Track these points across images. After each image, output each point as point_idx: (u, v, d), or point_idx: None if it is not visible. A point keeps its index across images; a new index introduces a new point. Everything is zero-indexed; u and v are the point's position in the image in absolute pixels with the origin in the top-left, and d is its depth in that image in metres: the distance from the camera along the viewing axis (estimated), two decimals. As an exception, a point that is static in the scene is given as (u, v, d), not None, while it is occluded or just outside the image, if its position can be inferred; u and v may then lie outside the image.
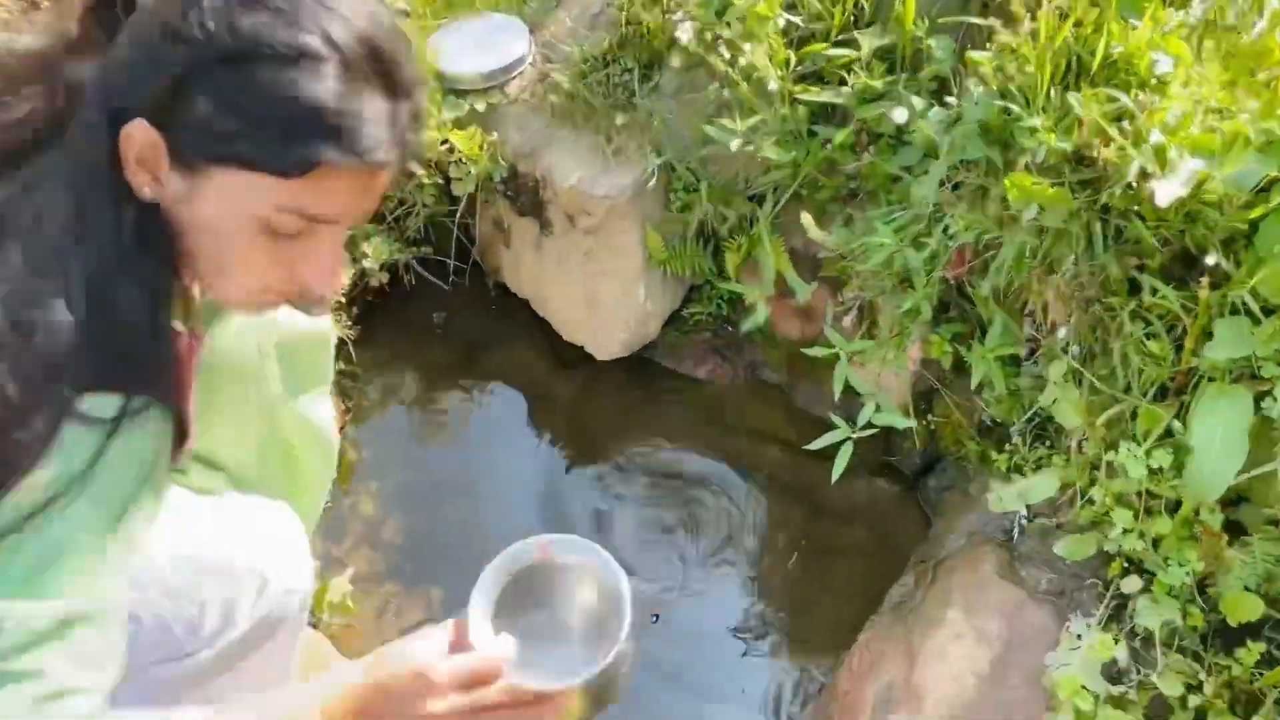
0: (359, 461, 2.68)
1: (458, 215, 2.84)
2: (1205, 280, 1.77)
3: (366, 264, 2.67)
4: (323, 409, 1.62)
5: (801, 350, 2.86)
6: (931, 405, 2.74)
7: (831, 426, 2.35)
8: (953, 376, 2.66)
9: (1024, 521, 2.21)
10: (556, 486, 2.68)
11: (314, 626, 2.25)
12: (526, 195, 2.74)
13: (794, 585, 2.55)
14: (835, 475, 2.20)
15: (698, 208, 2.58)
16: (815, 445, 2.30)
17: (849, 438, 2.22)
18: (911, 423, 2.37)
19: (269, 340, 1.40)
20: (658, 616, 2.51)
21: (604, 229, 2.65)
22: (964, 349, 2.31)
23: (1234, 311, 1.78)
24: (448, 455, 2.72)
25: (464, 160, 2.64)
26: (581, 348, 2.95)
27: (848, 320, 2.45)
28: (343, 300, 2.65)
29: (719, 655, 2.45)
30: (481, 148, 2.63)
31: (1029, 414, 2.21)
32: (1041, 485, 2.05)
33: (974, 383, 2.20)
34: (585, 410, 2.84)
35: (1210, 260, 1.80)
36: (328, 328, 1.57)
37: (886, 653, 2.19)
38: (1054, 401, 2.05)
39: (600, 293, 2.73)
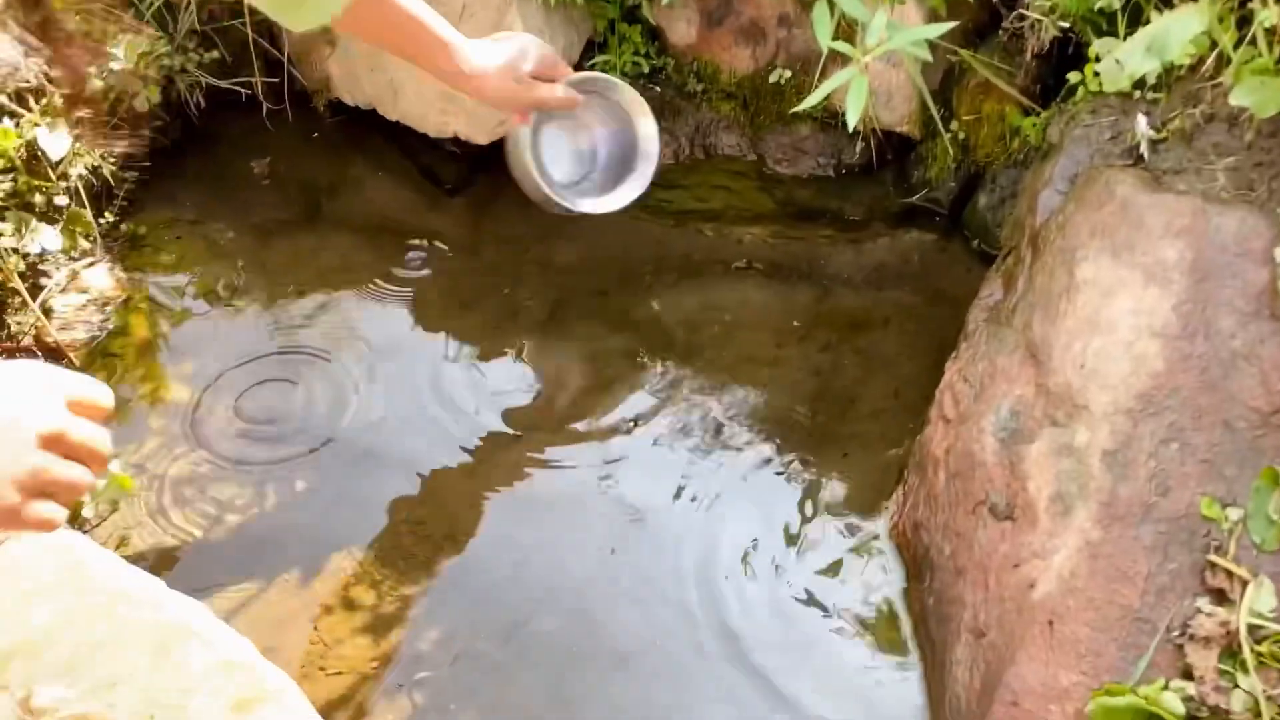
0: (159, 356, 1.85)
1: (247, 11, 2.06)
2: None
3: (116, 66, 1.88)
4: None
5: (758, 80, 2.13)
6: (953, 106, 2.02)
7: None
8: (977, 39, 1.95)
9: (1152, 131, 1.46)
10: (465, 361, 1.88)
11: (76, 527, 1.42)
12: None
13: (836, 381, 1.78)
14: (851, 121, 1.43)
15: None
16: (806, 104, 1.53)
17: (860, 63, 1.46)
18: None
19: None
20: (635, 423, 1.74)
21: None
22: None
23: None
24: (297, 333, 1.91)
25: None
26: (461, 159, 2.18)
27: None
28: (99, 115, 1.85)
29: (763, 479, 1.66)
30: None
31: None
32: (1179, 27, 1.31)
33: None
34: (482, 243, 2.06)
35: None
36: None
37: (993, 373, 1.42)
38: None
39: (463, 44, 1.97)
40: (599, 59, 2.17)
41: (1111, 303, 1.32)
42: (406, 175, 2.24)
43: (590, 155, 1.86)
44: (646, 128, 1.75)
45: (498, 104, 1.48)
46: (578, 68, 2.18)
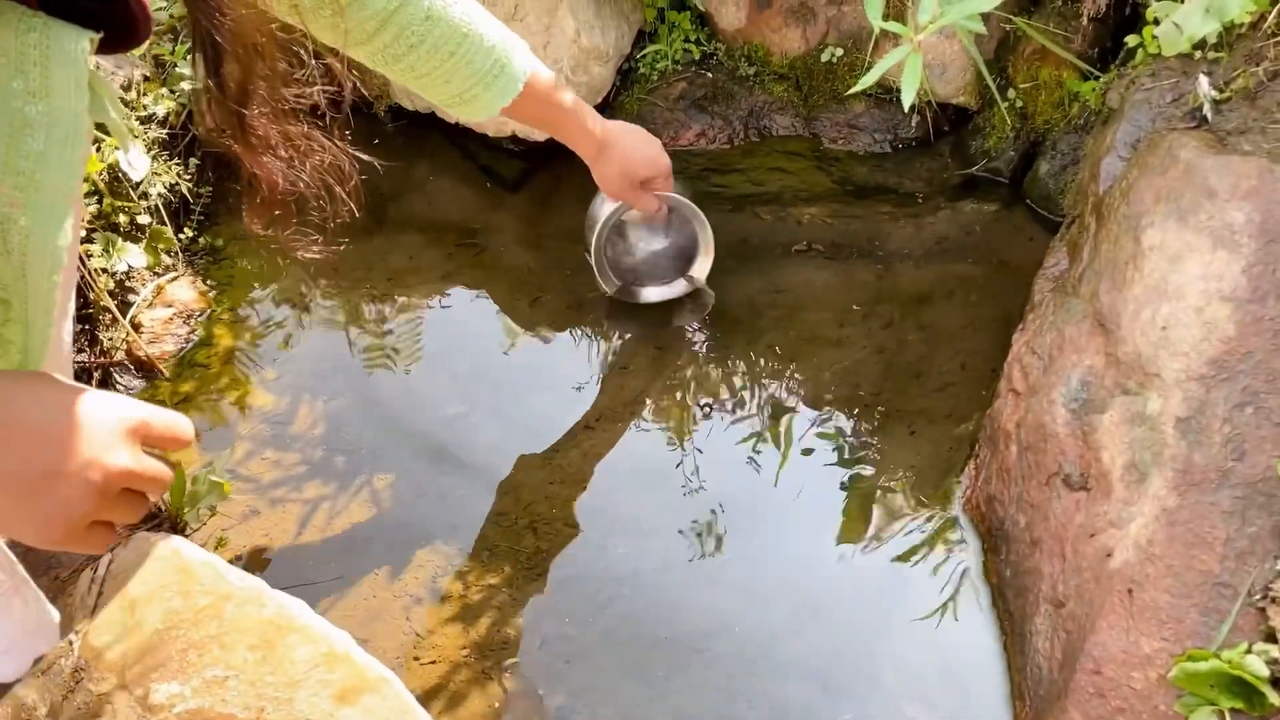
0: (250, 351, 1.92)
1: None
2: None
3: (186, 86, 1.94)
4: None
5: (810, 60, 2.13)
6: (1009, 74, 2.00)
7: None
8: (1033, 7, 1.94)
9: (1214, 92, 1.44)
10: (534, 353, 1.92)
11: (178, 533, 1.49)
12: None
13: (901, 357, 1.80)
14: (907, 101, 1.44)
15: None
16: (860, 85, 1.54)
17: (914, 41, 1.46)
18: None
19: None
20: (710, 406, 1.76)
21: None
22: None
23: None
24: (373, 334, 1.96)
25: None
26: (519, 157, 2.21)
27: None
28: (168, 133, 1.92)
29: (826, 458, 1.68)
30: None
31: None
32: (1239, -15, 1.29)
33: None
34: (544, 237, 2.10)
35: None
36: None
37: (1061, 344, 1.42)
38: None
39: (516, 43, 2.00)
40: (650, 49, 2.19)
41: (1179, 268, 1.31)
42: (467, 175, 2.28)
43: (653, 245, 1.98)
44: (705, 241, 1.84)
45: (609, 194, 1.72)
46: (628, 58, 2.21)
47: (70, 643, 1.32)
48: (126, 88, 1.96)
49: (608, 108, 2.21)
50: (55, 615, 1.31)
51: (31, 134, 0.74)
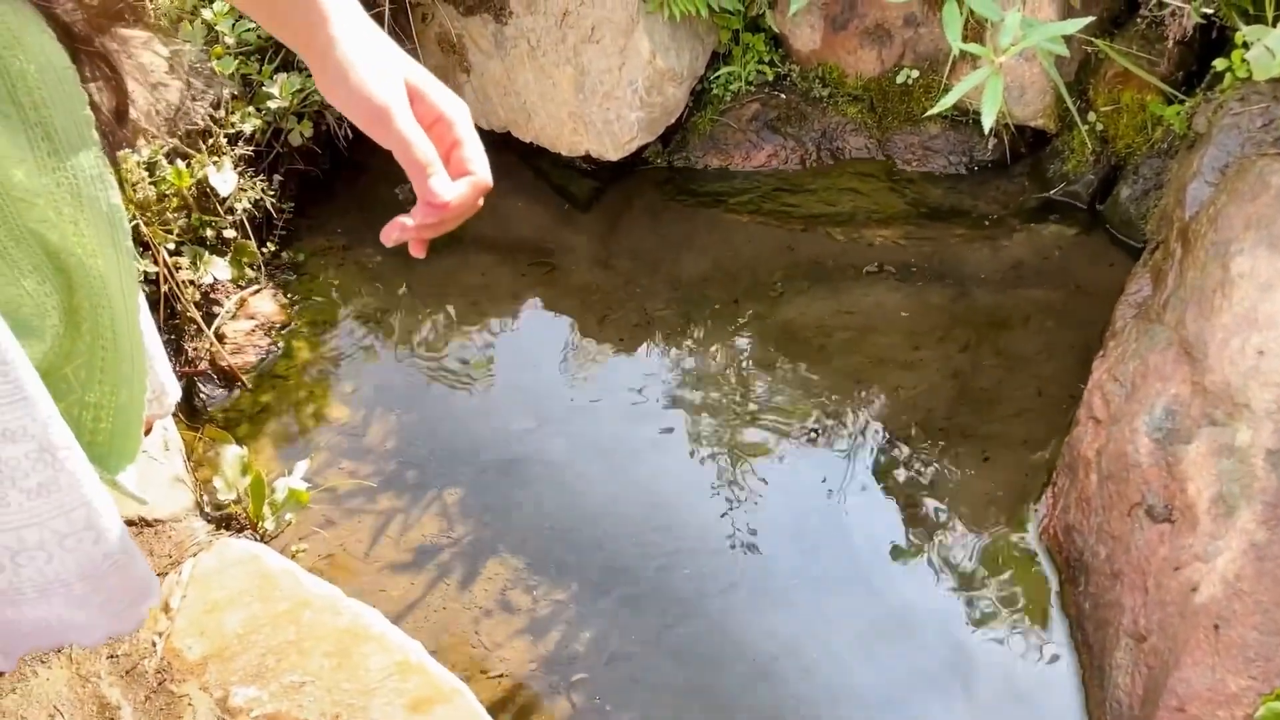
0: (327, 367, 1.96)
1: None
2: None
3: (273, 105, 2.00)
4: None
5: (885, 81, 2.12)
6: (1089, 97, 1.97)
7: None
8: (1113, 28, 1.91)
9: (1308, 117, 1.41)
10: (604, 370, 1.93)
11: (260, 539, 1.52)
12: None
13: (976, 382, 1.77)
14: (987, 124, 1.43)
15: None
16: (938, 106, 1.53)
17: (994, 63, 1.45)
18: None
19: None
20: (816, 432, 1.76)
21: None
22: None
23: None
24: (446, 350, 2.00)
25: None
26: (593, 174, 2.23)
27: None
28: (254, 150, 1.98)
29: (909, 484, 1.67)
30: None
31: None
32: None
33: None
34: (615, 256, 2.12)
35: None
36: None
37: (1145, 372, 1.39)
38: None
39: (591, 64, 2.04)
40: (723, 70, 2.20)
41: (1271, 297, 1.28)
42: (540, 194, 2.31)
43: None
44: None
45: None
46: (702, 79, 2.22)
47: (154, 644, 1.36)
48: (216, 106, 2.02)
49: (680, 129, 2.22)
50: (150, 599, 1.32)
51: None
